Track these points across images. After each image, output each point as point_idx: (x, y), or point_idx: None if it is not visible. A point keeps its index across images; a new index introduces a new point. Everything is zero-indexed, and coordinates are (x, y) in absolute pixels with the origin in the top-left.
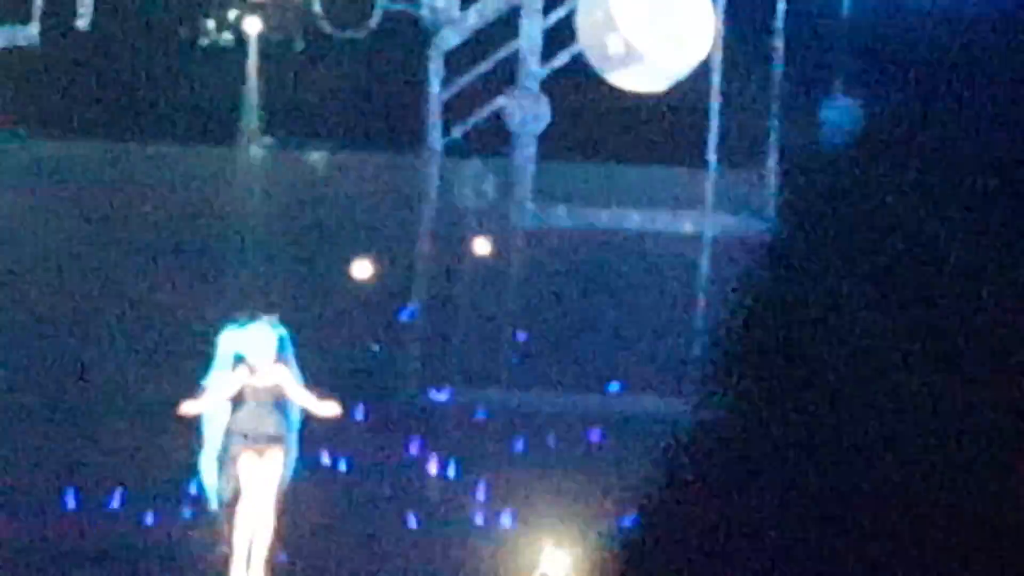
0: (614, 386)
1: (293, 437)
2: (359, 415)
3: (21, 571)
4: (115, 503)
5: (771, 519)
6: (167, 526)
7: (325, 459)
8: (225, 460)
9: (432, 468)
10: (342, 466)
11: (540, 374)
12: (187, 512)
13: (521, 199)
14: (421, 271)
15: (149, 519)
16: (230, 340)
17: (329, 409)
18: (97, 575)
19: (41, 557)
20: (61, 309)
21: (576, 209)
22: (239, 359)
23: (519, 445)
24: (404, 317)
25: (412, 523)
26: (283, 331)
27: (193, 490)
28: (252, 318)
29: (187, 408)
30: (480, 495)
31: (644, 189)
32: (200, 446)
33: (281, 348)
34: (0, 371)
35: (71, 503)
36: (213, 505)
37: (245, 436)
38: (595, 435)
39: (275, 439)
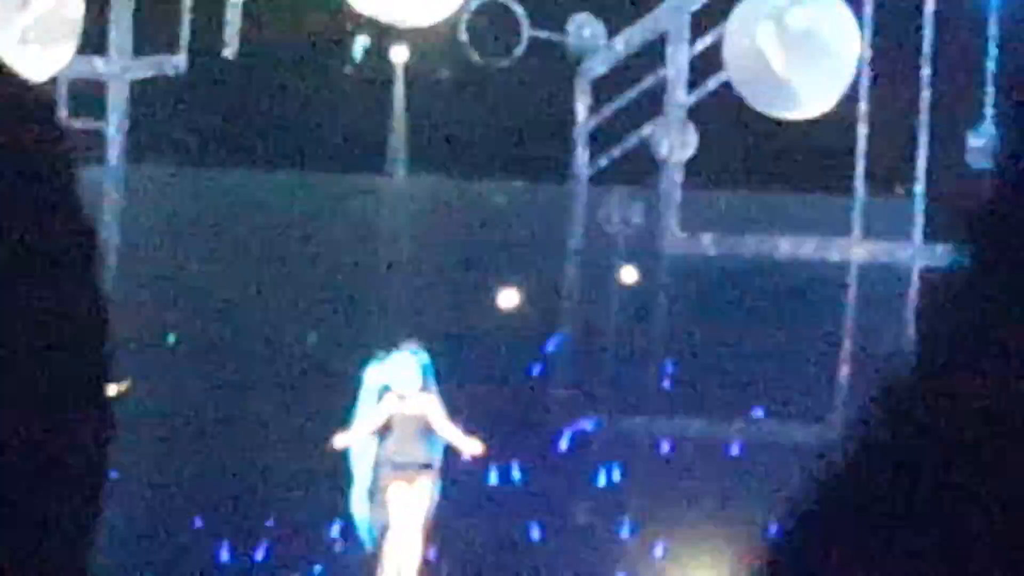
0: (757, 412)
1: (443, 465)
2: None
3: None
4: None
5: (918, 551)
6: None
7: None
8: (375, 491)
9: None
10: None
11: (686, 400)
12: (335, 551)
13: (667, 227)
14: (567, 300)
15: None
16: (375, 373)
17: (473, 447)
18: None
19: None
20: (210, 339)
21: (722, 237)
22: (385, 390)
23: (665, 468)
24: (551, 347)
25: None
26: (426, 359)
27: (336, 532)
28: (396, 348)
29: (339, 441)
30: (625, 529)
31: (791, 216)
32: (349, 482)
33: (426, 378)
34: (144, 403)
35: (224, 555)
36: (364, 540)
37: (394, 465)
38: (737, 457)
39: (424, 467)
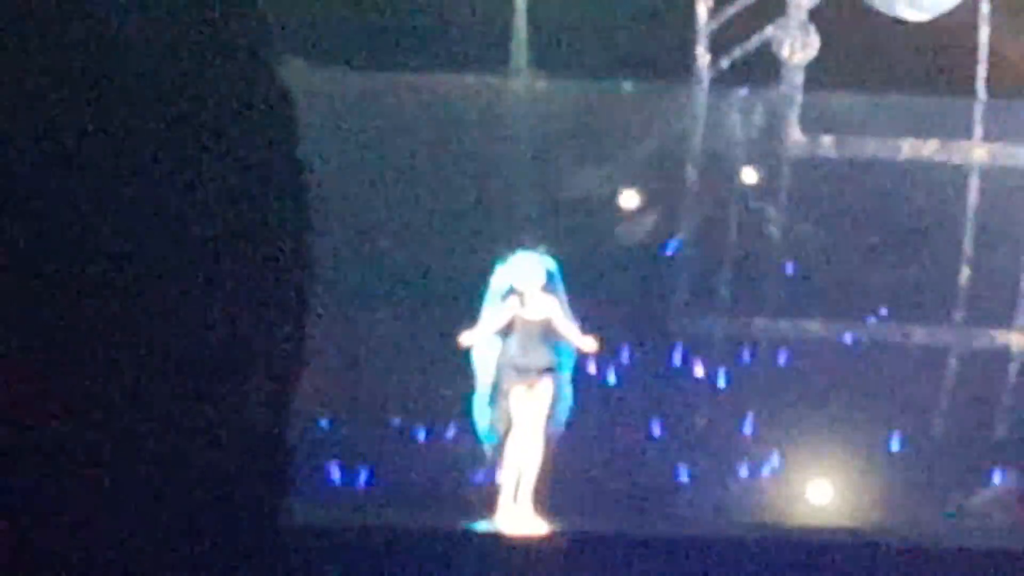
0: (879, 314)
1: (567, 368)
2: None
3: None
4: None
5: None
6: (441, 453)
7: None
8: (496, 394)
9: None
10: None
11: (807, 303)
12: (459, 444)
13: (788, 129)
14: (688, 203)
15: (422, 436)
16: (501, 275)
17: (589, 344)
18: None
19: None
20: (334, 242)
21: (843, 139)
22: (510, 291)
23: (786, 372)
24: (671, 250)
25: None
26: (552, 263)
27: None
28: (521, 248)
29: (465, 339)
30: (747, 427)
31: (912, 119)
32: (472, 382)
33: (550, 279)
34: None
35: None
36: (484, 440)
37: (516, 368)
38: (857, 362)
39: (545, 370)
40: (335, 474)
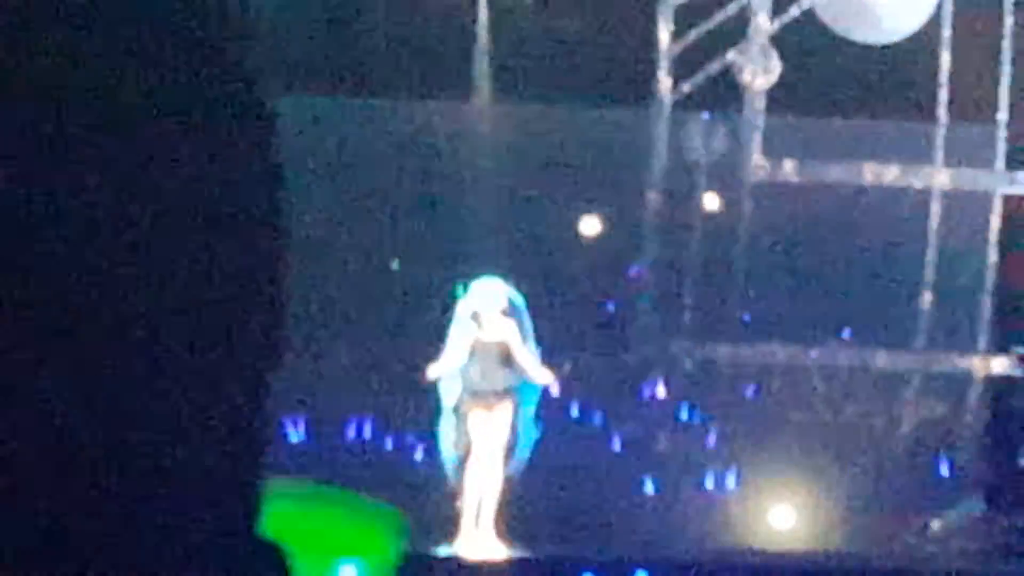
0: (841, 338)
1: (530, 391)
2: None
3: None
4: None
5: None
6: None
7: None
8: (457, 417)
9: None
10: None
11: (770, 326)
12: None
13: (750, 154)
14: (650, 227)
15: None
16: (465, 302)
17: (545, 376)
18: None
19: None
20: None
21: (805, 163)
22: (474, 317)
23: (749, 393)
24: (633, 273)
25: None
26: (512, 290)
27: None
28: (481, 274)
29: (431, 372)
30: (711, 443)
31: (873, 144)
32: (438, 407)
33: (513, 307)
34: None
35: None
36: (447, 463)
37: (474, 392)
38: (821, 385)
39: (503, 394)
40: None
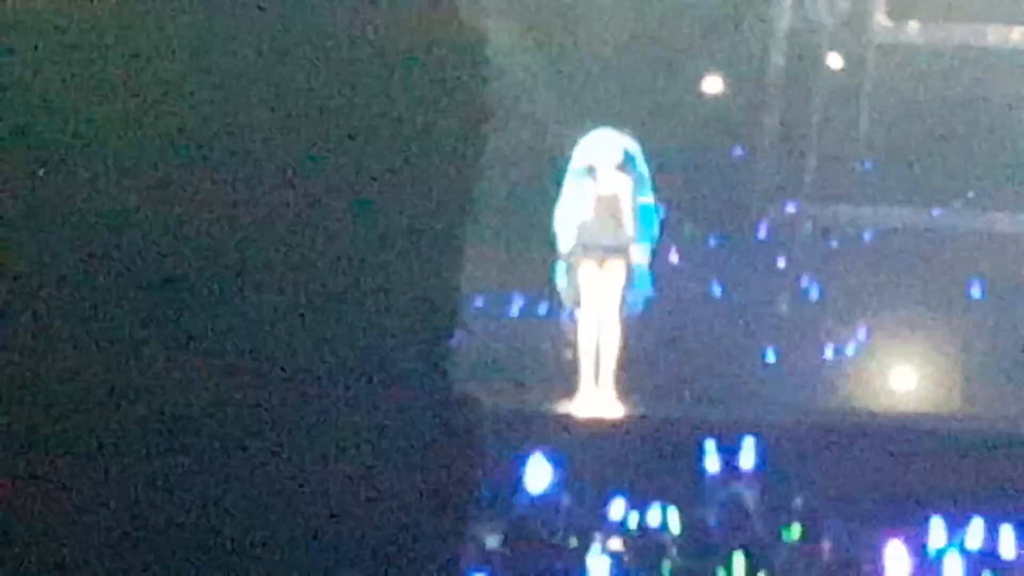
0: (959, 201)
1: (643, 248)
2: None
3: None
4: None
5: None
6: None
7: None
8: (569, 266)
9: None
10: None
11: (889, 189)
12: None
13: (874, 15)
14: (773, 87)
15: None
16: (581, 151)
17: (638, 253)
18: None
19: None
20: None
21: (929, 25)
22: (589, 168)
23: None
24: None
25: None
26: (632, 144)
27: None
28: (600, 126)
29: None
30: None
31: (999, 5)
32: (555, 253)
33: (627, 159)
34: None
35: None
36: (564, 310)
37: (584, 245)
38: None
39: (615, 250)
40: None
